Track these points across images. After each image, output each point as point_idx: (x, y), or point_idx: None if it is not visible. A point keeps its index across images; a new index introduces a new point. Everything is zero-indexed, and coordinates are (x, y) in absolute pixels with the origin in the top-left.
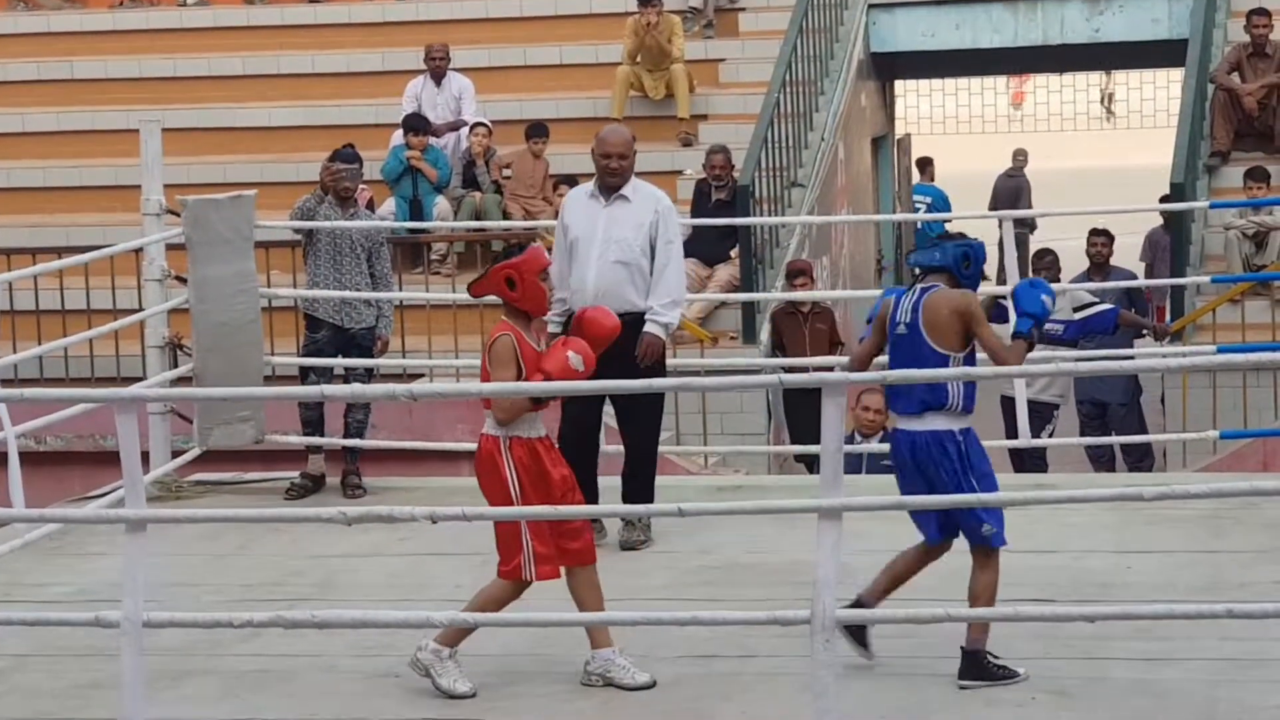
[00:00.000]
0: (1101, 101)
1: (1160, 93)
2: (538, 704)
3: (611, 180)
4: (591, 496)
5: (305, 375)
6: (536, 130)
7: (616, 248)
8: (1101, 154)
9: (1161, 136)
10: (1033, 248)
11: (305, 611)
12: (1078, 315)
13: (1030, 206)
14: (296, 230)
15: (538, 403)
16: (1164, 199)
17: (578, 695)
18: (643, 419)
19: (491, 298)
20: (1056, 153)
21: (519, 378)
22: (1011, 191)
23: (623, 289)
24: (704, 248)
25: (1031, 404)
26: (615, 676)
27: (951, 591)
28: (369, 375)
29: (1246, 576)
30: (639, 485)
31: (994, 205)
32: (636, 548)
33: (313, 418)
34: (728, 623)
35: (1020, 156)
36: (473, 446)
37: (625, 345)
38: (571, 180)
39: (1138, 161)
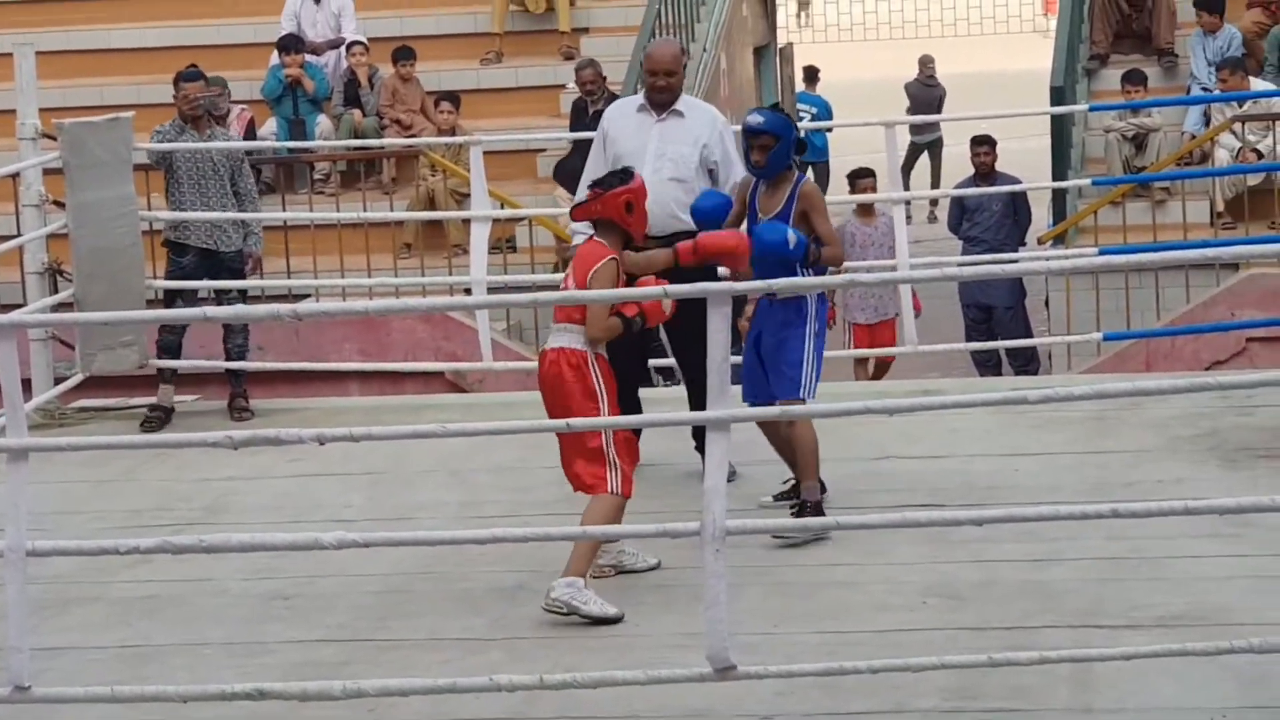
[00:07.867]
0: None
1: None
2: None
3: (659, 98)
4: None
5: (171, 301)
6: (403, 53)
7: (671, 165)
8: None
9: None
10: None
11: (193, 536)
12: None
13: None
14: (156, 161)
15: (628, 329)
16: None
17: (468, 613)
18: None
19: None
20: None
21: (613, 305)
22: (930, 99)
23: (675, 207)
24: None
25: None
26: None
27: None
28: (243, 298)
29: (1132, 476)
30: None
31: (914, 112)
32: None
33: (171, 344)
34: (618, 536)
35: (930, 64)
36: (360, 366)
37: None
38: (453, 97)
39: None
